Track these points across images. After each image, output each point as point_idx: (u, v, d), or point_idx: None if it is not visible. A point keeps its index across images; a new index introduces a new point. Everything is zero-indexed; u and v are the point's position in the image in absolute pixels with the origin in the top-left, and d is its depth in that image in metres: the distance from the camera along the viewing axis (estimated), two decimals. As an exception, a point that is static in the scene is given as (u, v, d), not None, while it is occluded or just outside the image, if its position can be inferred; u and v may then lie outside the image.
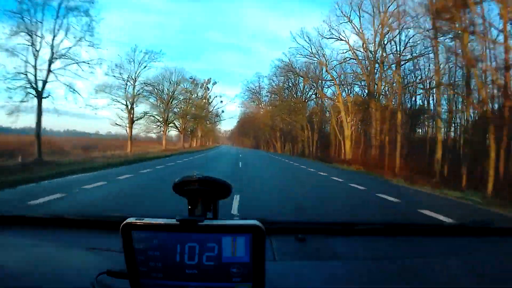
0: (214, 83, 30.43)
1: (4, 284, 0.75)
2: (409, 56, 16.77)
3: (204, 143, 48.31)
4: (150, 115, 24.91)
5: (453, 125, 15.07)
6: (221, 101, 35.47)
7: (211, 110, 36.11)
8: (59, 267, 0.87)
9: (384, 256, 1.00)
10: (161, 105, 25.93)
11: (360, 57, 19.52)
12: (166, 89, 26.35)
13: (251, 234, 0.55)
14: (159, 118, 25.92)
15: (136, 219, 0.57)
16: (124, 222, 0.57)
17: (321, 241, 1.06)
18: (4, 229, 1.18)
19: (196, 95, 30.90)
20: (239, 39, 72.44)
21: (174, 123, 28.60)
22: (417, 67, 16.86)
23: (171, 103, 26.72)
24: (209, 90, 31.17)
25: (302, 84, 27.07)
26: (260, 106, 36.73)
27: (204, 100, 33.78)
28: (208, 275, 0.57)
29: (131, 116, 22.26)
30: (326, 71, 22.33)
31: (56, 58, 12.21)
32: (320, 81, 24.13)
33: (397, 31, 16.47)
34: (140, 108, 23.92)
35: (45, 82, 11.89)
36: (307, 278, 0.84)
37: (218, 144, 62.95)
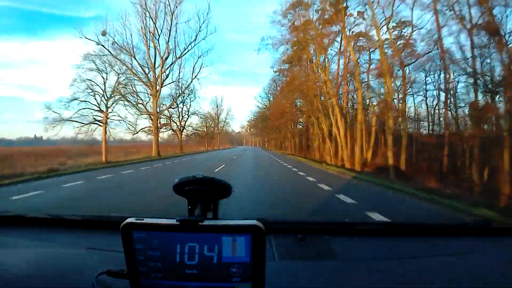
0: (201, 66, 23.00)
1: (4, 284, 0.76)
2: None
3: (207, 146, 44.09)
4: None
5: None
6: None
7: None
8: (59, 267, 0.87)
9: (384, 256, 1.00)
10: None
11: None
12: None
13: (251, 234, 0.55)
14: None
15: (136, 219, 0.57)
16: (124, 222, 0.57)
17: (321, 241, 1.06)
18: (4, 229, 1.18)
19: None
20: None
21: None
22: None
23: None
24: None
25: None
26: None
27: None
28: (208, 275, 0.57)
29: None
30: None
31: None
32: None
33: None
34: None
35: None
36: (307, 278, 0.84)
37: (212, 148, 44.60)
